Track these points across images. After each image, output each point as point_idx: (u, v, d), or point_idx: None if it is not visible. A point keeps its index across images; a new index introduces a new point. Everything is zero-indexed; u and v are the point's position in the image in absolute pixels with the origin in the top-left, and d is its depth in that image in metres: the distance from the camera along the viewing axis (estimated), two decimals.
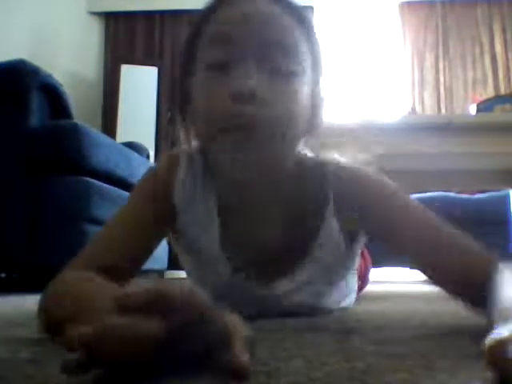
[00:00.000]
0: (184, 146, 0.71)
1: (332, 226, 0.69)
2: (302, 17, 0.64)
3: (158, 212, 0.68)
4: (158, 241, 0.71)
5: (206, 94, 0.61)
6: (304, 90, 0.62)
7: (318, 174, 0.69)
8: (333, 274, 0.76)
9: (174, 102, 3.87)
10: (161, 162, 0.73)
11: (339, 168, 0.69)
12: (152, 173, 0.73)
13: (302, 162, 0.70)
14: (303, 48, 0.63)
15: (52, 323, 0.53)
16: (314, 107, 0.66)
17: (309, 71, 0.63)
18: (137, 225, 0.66)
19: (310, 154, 0.72)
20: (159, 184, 0.70)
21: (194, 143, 0.70)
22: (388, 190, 0.67)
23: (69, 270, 0.61)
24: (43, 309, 0.55)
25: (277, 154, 0.61)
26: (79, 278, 0.56)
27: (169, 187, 0.69)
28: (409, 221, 0.64)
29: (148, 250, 0.69)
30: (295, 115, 0.60)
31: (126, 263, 0.64)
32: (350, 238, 0.72)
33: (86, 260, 0.62)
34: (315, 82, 0.65)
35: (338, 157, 0.72)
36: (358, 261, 0.85)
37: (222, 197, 0.70)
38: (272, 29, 0.61)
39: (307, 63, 0.63)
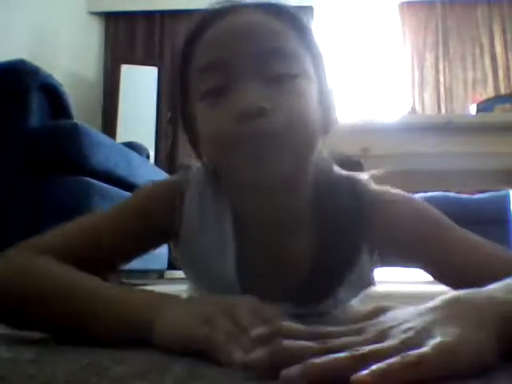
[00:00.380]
0: (195, 165, 0.68)
1: (365, 262, 0.65)
2: (294, 18, 0.61)
3: (151, 232, 0.66)
4: (147, 250, 0.69)
5: (208, 122, 0.58)
6: (310, 92, 0.59)
7: (351, 198, 0.65)
8: (354, 296, 0.74)
9: (174, 103, 3.87)
10: (168, 185, 0.68)
11: (380, 200, 0.65)
12: (156, 191, 0.68)
13: (326, 175, 0.66)
14: (300, 49, 0.60)
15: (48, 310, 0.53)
16: (325, 107, 0.63)
17: (311, 72, 0.61)
18: (124, 231, 0.64)
19: (333, 167, 0.69)
20: (159, 209, 0.65)
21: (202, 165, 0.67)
22: (433, 226, 0.63)
23: (36, 255, 0.58)
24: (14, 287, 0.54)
25: (295, 158, 0.57)
26: (70, 269, 0.56)
27: (172, 215, 0.65)
28: (457, 256, 0.61)
29: (130, 256, 0.66)
30: (306, 117, 0.57)
31: (107, 258, 0.63)
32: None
33: (61, 249, 0.60)
34: (321, 83, 0.63)
35: (364, 175, 0.69)
36: None
37: (239, 220, 0.65)
38: (263, 36, 0.58)
39: (308, 64, 0.61)
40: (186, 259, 0.70)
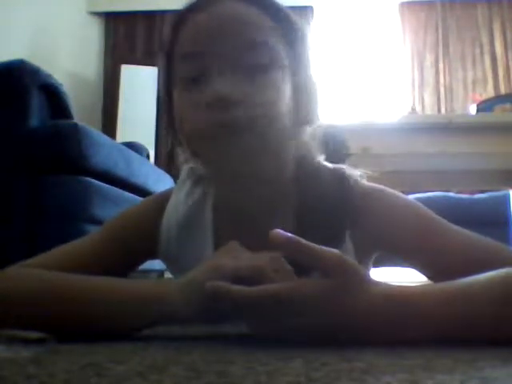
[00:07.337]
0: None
1: (348, 250, 0.65)
2: (274, 8, 0.63)
3: (130, 254, 0.70)
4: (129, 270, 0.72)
5: (184, 107, 0.61)
6: (283, 84, 0.60)
7: (336, 189, 0.65)
8: None
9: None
10: (146, 207, 0.73)
11: (363, 192, 0.66)
12: (135, 215, 0.72)
13: (308, 166, 0.67)
14: (276, 40, 0.61)
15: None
16: (300, 100, 0.63)
17: (287, 64, 0.62)
18: (104, 255, 0.69)
19: (322, 162, 0.69)
20: (137, 232, 0.70)
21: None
22: (418, 220, 0.64)
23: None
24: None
25: (266, 150, 0.60)
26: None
27: (149, 236, 0.69)
28: (446, 249, 0.61)
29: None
30: (276, 109, 0.59)
31: None
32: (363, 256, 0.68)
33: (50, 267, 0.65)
34: (298, 75, 0.63)
35: (352, 169, 0.69)
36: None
37: (220, 212, 0.68)
38: (240, 29, 0.60)
39: (284, 56, 0.61)
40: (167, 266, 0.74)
